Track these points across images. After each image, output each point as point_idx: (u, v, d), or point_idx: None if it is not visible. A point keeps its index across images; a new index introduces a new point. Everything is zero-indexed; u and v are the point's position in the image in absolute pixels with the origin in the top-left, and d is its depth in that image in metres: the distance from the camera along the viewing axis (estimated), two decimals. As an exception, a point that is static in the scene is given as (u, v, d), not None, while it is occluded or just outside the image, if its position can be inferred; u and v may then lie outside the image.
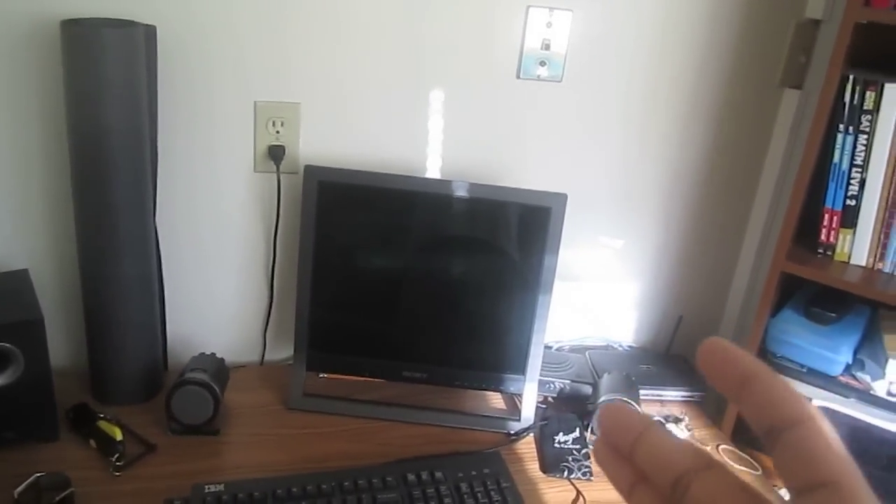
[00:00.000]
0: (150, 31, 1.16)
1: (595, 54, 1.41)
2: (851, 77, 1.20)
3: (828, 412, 1.28)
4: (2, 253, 1.27)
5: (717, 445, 1.36)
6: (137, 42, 1.11)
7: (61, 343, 1.33)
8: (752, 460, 1.32)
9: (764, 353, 1.34)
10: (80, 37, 1.07)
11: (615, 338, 1.65)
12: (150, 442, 1.18)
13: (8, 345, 1.07)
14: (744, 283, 1.66)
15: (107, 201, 1.14)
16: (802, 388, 1.30)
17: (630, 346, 1.66)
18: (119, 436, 1.15)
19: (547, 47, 1.37)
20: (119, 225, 1.16)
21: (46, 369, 1.12)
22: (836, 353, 1.27)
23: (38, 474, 1.03)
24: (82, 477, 1.07)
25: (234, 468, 1.16)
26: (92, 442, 1.15)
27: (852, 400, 1.27)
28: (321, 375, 1.39)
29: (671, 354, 1.60)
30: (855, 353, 1.29)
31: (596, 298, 1.62)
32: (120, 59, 1.08)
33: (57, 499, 1.00)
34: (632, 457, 0.33)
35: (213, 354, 1.30)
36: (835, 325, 1.32)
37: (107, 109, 1.09)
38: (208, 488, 1.06)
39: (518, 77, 1.39)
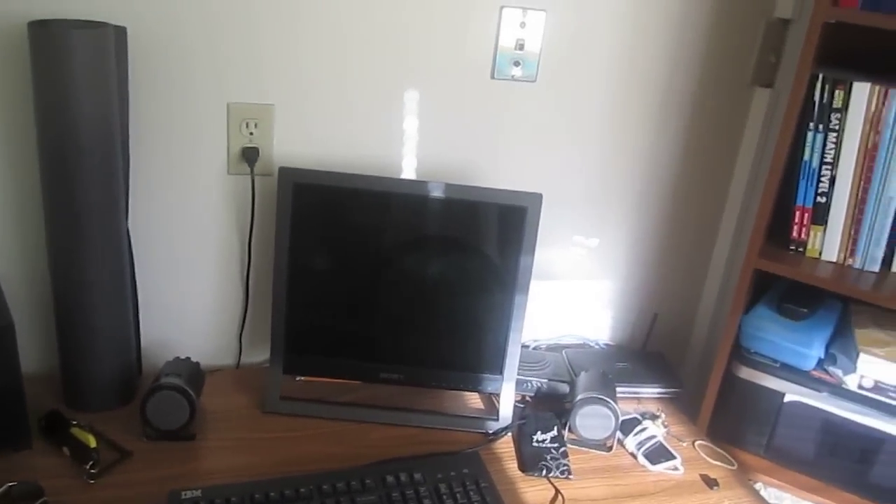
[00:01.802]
0: (120, 33, 1.15)
1: (569, 54, 1.41)
2: (821, 76, 1.22)
3: (801, 406, 1.30)
4: (-30, 258, 1.25)
5: (694, 441, 1.37)
6: (107, 43, 1.10)
7: (32, 349, 1.31)
8: (727, 456, 1.34)
9: (738, 349, 1.36)
10: (48, 38, 1.05)
11: (591, 336, 1.66)
12: (125, 448, 1.16)
13: (-23, 352, 1.05)
14: (718, 280, 1.68)
15: (77, 204, 1.13)
16: (776, 383, 1.32)
17: (606, 344, 1.67)
18: (93, 443, 1.14)
19: (521, 47, 1.37)
20: (90, 228, 1.15)
21: (17, 376, 1.10)
22: (809, 348, 1.29)
23: (10, 483, 1.01)
24: (56, 485, 1.05)
25: (210, 473, 1.15)
26: (65, 449, 1.14)
27: (825, 394, 1.29)
28: (298, 378, 1.38)
29: (647, 352, 1.61)
30: (827, 347, 1.30)
31: (572, 297, 1.63)
32: (89, 60, 1.07)
33: (30, 508, 0.99)
34: None
35: (189, 359, 1.28)
36: (807, 320, 1.33)
37: (76, 111, 1.08)
38: (185, 494, 1.04)
39: (493, 77, 1.39)
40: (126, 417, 1.23)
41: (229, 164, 1.32)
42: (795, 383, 1.31)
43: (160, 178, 1.30)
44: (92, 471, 1.10)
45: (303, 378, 1.38)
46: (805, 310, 1.34)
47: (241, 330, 1.45)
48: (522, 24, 1.36)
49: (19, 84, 1.16)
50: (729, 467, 1.31)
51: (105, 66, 1.09)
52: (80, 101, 1.07)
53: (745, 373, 1.34)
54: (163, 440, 1.19)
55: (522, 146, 1.46)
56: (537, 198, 1.26)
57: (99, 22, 1.14)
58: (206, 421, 1.25)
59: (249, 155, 1.31)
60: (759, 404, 1.34)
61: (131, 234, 1.26)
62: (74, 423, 1.17)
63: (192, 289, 1.39)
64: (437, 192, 1.25)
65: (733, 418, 1.38)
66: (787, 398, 1.31)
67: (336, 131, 1.36)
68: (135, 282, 1.30)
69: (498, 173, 1.46)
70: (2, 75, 1.16)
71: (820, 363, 1.30)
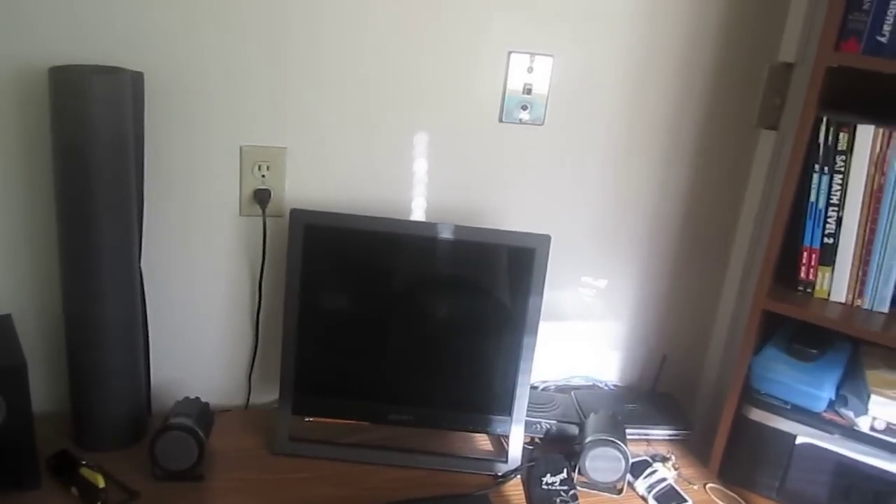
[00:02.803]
0: (137, 78, 1.18)
1: (576, 98, 1.44)
2: (825, 119, 1.23)
3: (813, 448, 1.29)
4: (-16, 298, 1.26)
5: (705, 484, 1.35)
6: (124, 88, 1.12)
7: (43, 388, 1.31)
8: (739, 499, 1.32)
9: (748, 391, 1.35)
10: (67, 83, 1.08)
11: (601, 377, 1.66)
12: (133, 489, 1.16)
13: (-10, 391, 1.06)
14: (726, 321, 1.67)
15: (91, 245, 1.14)
16: (787, 425, 1.30)
17: (615, 386, 1.66)
18: (101, 483, 1.13)
19: (529, 91, 1.40)
20: (104, 269, 1.16)
21: (28, 416, 1.10)
22: (820, 390, 1.28)
23: (19, 524, 1.01)
24: (63, 526, 1.05)
25: (218, 515, 1.14)
26: (73, 489, 1.14)
27: (836, 436, 1.27)
28: (307, 419, 1.38)
29: (657, 393, 1.61)
30: (838, 389, 1.30)
31: (581, 338, 1.63)
32: (107, 104, 1.09)
33: (37, 549, 0.98)
34: None
35: (198, 399, 1.29)
36: (817, 361, 1.33)
37: (93, 154, 1.10)
38: (193, 535, 1.04)
39: (501, 121, 1.41)
40: (135, 457, 1.23)
41: (241, 205, 1.34)
42: (807, 425, 1.29)
43: (173, 218, 1.32)
44: (100, 511, 1.10)
45: (312, 419, 1.38)
46: (815, 351, 1.33)
47: (251, 370, 1.45)
48: (530, 69, 1.38)
49: (37, 127, 1.19)
50: (741, 511, 1.30)
51: (122, 111, 1.12)
52: (97, 144, 1.10)
53: (756, 414, 1.33)
54: (171, 481, 1.18)
55: (531, 188, 1.47)
56: (546, 239, 1.27)
57: (117, 67, 1.17)
58: (214, 461, 1.25)
59: (261, 197, 1.33)
60: (771, 446, 1.33)
61: (143, 274, 1.27)
62: (83, 462, 1.17)
63: (202, 329, 1.40)
64: (446, 234, 1.27)
65: (745, 461, 1.37)
66: (798, 440, 1.30)
67: (347, 174, 1.38)
68: (146, 322, 1.31)
69: (506, 215, 1.47)
70: (21, 118, 1.19)
71: (831, 405, 1.29)
